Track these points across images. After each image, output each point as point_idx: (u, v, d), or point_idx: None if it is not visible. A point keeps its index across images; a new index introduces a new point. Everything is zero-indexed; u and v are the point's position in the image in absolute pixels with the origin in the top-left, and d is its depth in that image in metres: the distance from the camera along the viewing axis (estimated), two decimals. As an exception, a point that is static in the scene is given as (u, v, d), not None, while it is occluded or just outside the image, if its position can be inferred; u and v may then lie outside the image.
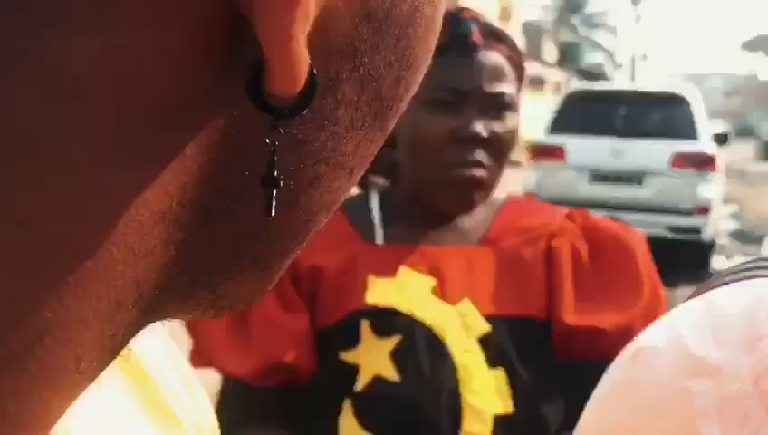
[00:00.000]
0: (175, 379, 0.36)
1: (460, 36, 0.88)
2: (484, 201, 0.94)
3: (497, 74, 0.89)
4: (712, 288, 0.38)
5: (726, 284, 0.37)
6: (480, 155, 0.89)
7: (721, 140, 8.07)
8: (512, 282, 0.92)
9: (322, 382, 0.89)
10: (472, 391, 0.86)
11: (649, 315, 0.90)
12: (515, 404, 0.86)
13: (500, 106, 0.90)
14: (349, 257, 0.91)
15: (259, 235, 0.24)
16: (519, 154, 14.16)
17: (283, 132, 0.22)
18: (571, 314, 0.88)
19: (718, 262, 8.06)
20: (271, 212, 0.22)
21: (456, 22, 0.89)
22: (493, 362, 0.87)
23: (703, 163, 7.02)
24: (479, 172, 0.89)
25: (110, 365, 0.23)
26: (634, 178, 7.27)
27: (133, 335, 0.23)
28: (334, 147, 0.24)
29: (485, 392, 0.86)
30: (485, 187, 0.91)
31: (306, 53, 0.20)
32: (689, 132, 7.21)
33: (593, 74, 32.45)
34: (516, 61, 0.92)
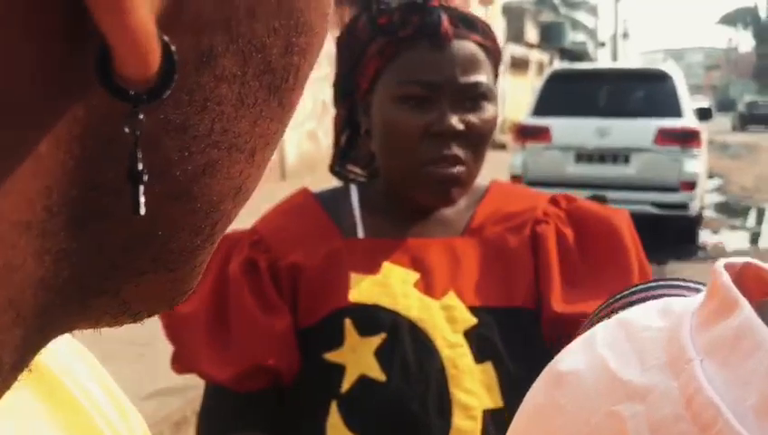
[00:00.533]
0: (101, 396, 0.34)
1: (429, 27, 0.84)
2: (464, 195, 0.91)
3: (471, 64, 0.85)
4: (620, 308, 0.38)
5: (633, 303, 0.37)
6: (456, 149, 0.85)
7: (705, 115, 8.14)
8: (497, 272, 0.89)
9: (308, 383, 0.87)
10: (460, 386, 0.83)
11: None
12: (505, 398, 0.84)
13: (475, 97, 0.86)
14: (329, 254, 0.89)
15: (150, 234, 0.22)
16: (504, 136, 14.19)
17: (143, 119, 0.19)
18: (560, 302, 0.86)
19: (704, 236, 8.16)
20: (139, 209, 0.20)
21: (423, 11, 0.84)
22: (480, 355, 0.85)
23: (687, 139, 7.09)
24: (457, 168, 0.86)
25: (30, 394, 0.23)
26: (619, 156, 7.32)
27: (31, 355, 0.21)
28: (224, 128, 0.22)
29: (474, 387, 0.83)
30: (464, 182, 0.88)
31: (153, 28, 0.18)
32: (673, 109, 7.27)
33: (576, 54, 32.44)
34: (491, 47, 0.88)
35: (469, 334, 0.85)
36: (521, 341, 0.86)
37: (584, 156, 7.47)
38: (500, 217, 0.93)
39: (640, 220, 6.63)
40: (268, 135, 0.25)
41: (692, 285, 0.39)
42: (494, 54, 0.89)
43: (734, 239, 8.20)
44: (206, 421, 0.91)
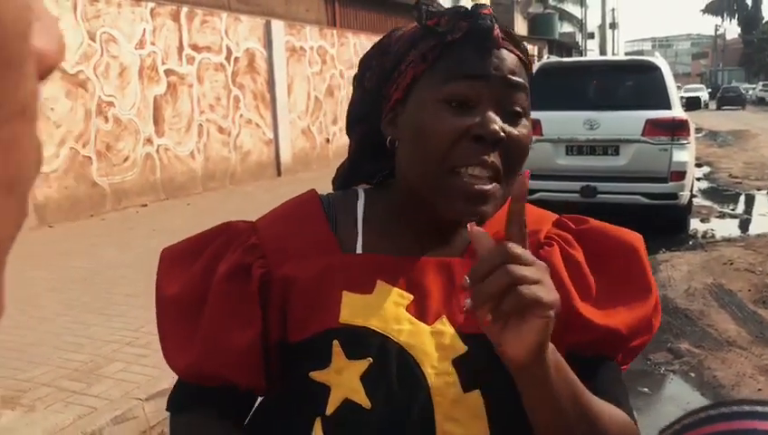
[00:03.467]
0: None
1: (480, 31, 0.81)
2: (491, 217, 0.84)
3: (518, 72, 0.83)
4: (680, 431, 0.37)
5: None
6: (495, 158, 0.80)
7: (699, 104, 8.18)
8: None
9: (292, 399, 0.85)
10: (446, 415, 0.81)
11: (652, 320, 0.89)
12: (492, 427, 0.82)
13: (515, 110, 0.82)
14: (324, 269, 0.86)
15: None
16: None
17: None
18: (588, 311, 0.84)
19: (694, 224, 8.24)
20: None
21: (476, 16, 0.82)
22: (469, 384, 0.82)
23: (675, 129, 7.15)
24: (492, 186, 0.80)
25: None
26: (609, 147, 7.38)
27: None
28: None
29: (461, 416, 0.81)
30: (497, 201, 0.82)
31: None
32: (661, 100, 7.32)
33: (565, 45, 32.40)
34: (529, 68, 0.86)
35: (458, 362, 0.82)
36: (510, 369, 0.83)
37: (574, 148, 7.53)
38: (500, 240, 0.86)
39: (632, 210, 6.66)
40: None
41: (759, 409, 0.38)
42: (530, 74, 0.87)
43: (724, 227, 8.28)
44: (172, 399, 0.92)
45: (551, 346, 0.74)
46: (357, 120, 0.94)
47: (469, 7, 0.84)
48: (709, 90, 50.68)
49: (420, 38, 0.85)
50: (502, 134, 0.80)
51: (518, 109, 0.83)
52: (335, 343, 0.82)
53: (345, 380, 0.81)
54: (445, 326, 0.84)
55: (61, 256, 6.08)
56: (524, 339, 0.70)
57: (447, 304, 0.85)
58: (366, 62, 0.92)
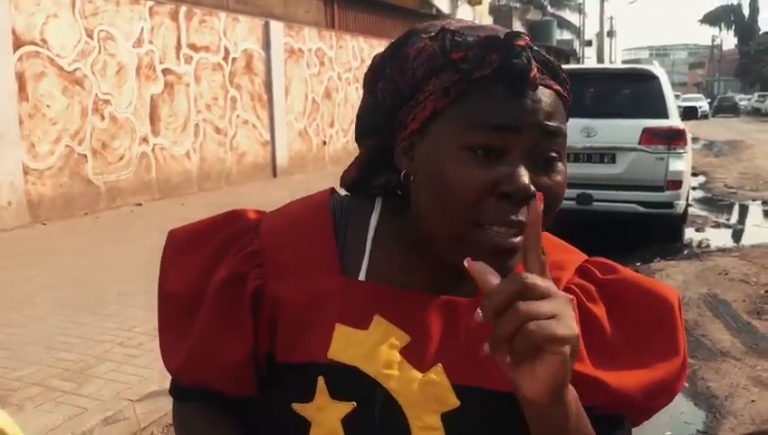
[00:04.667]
0: None
1: (513, 70, 0.70)
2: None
3: (555, 113, 0.73)
4: None
5: None
6: (524, 215, 0.70)
7: (696, 114, 8.20)
8: None
9: (274, 424, 0.81)
10: None
11: (677, 382, 0.82)
12: None
13: (550, 155, 0.73)
14: (320, 293, 0.79)
15: None
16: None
17: None
18: (598, 372, 0.78)
19: (689, 233, 8.25)
20: None
21: (507, 51, 0.71)
22: None
23: (672, 138, 7.17)
24: (518, 239, 0.71)
25: None
26: (606, 155, 7.39)
27: None
28: None
29: None
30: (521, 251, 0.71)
31: None
32: (659, 109, 7.34)
33: (563, 52, 32.52)
34: (567, 98, 0.77)
35: (447, 418, 0.76)
36: (506, 428, 0.77)
37: (571, 155, 7.52)
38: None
39: (627, 219, 6.65)
40: None
41: None
42: (569, 107, 0.77)
43: (719, 237, 8.29)
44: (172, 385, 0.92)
45: (572, 392, 0.68)
46: (368, 131, 0.85)
47: (502, 36, 0.72)
48: (708, 100, 50.37)
49: (442, 67, 0.73)
50: (532, 189, 0.70)
51: (553, 154, 0.73)
52: (320, 379, 0.77)
53: (326, 419, 0.77)
54: (438, 376, 0.77)
55: (54, 255, 6.05)
56: (538, 377, 0.63)
57: (446, 350, 0.78)
58: (379, 69, 0.81)
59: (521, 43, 0.72)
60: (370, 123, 0.84)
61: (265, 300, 0.81)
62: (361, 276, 0.81)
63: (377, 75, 0.81)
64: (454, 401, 0.77)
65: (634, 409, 0.82)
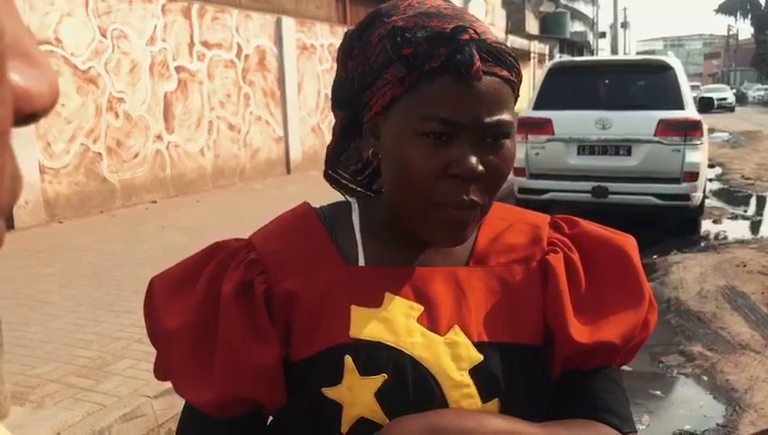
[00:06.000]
0: None
1: (458, 63, 0.76)
2: (473, 233, 0.86)
3: (497, 103, 0.79)
4: None
5: None
6: (474, 193, 0.79)
7: (709, 105, 8.14)
8: (504, 306, 0.85)
9: (306, 419, 0.83)
10: None
11: (648, 319, 0.89)
12: None
13: (497, 135, 0.80)
14: (329, 283, 0.83)
15: None
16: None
17: None
18: (580, 332, 0.84)
19: (706, 226, 8.18)
20: None
21: (455, 46, 0.77)
22: (487, 393, 0.81)
23: (688, 130, 7.10)
24: (471, 213, 0.80)
25: None
26: (621, 147, 7.34)
27: None
28: None
29: None
30: (476, 223, 0.83)
31: None
32: (674, 100, 7.27)
33: (576, 44, 32.31)
34: (515, 79, 0.82)
35: (475, 372, 0.81)
36: (526, 378, 0.83)
37: (586, 148, 7.49)
38: (504, 246, 0.89)
39: (643, 211, 6.63)
40: None
41: None
42: (517, 86, 0.83)
43: (736, 228, 8.21)
44: None
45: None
46: (340, 103, 0.91)
47: (448, 30, 0.78)
48: (733, 90, 47.43)
49: (397, 58, 0.80)
50: (480, 169, 0.79)
51: (500, 133, 0.80)
52: (347, 358, 0.80)
53: (358, 397, 0.79)
54: (458, 336, 0.82)
55: (70, 252, 6.09)
56: None
57: (458, 313, 0.83)
58: (348, 48, 0.87)
59: (465, 37, 0.77)
60: (342, 96, 0.90)
61: (276, 302, 0.83)
62: (361, 263, 0.86)
63: (347, 54, 0.87)
64: (477, 356, 0.82)
65: (615, 356, 0.88)
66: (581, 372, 0.86)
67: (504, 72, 0.80)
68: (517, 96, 0.84)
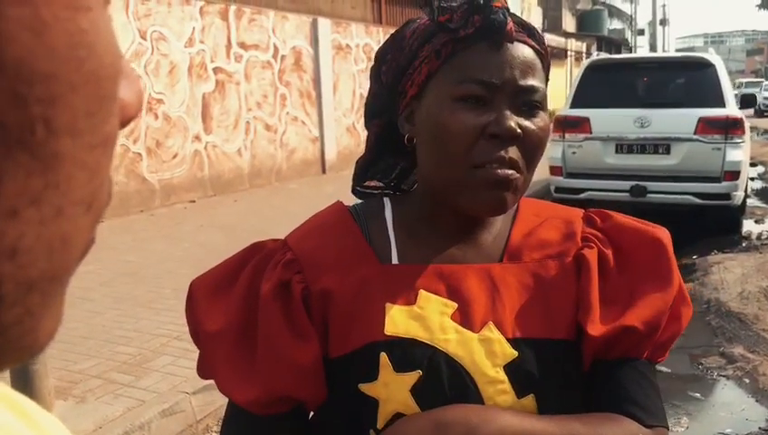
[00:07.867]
0: None
1: (493, 26, 0.81)
2: (514, 206, 0.87)
3: (529, 68, 0.82)
4: None
5: None
6: (513, 153, 0.81)
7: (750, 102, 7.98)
8: (538, 302, 0.86)
9: (339, 414, 0.84)
10: None
11: (680, 311, 0.89)
12: None
13: (531, 103, 0.83)
14: (364, 281, 0.85)
15: None
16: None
17: None
18: (597, 325, 0.85)
19: (748, 225, 8.00)
20: None
21: (487, 10, 0.81)
22: (521, 390, 0.82)
23: (729, 128, 6.96)
24: (512, 172, 0.81)
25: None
26: (660, 146, 7.22)
27: None
28: None
29: None
30: (517, 189, 0.83)
31: None
32: (715, 97, 7.13)
33: (614, 42, 31.86)
34: (545, 54, 0.86)
35: (510, 368, 0.82)
36: (561, 373, 0.84)
37: (624, 146, 7.39)
38: (538, 242, 0.90)
39: (682, 211, 6.50)
40: (30, 191, 0.23)
41: None
42: (547, 63, 0.87)
43: (779, 229, 8.02)
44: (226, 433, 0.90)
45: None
46: (374, 114, 0.94)
47: (482, 0, 0.82)
48: None
49: (433, 33, 0.84)
50: (518, 131, 0.81)
51: (534, 99, 0.83)
52: (382, 355, 0.81)
53: (394, 393, 0.80)
54: (492, 333, 0.83)
55: (111, 251, 6.21)
56: None
57: (492, 310, 0.84)
58: (382, 56, 0.92)
59: (497, 4, 0.82)
60: (376, 107, 0.94)
61: (313, 300, 0.84)
62: (394, 261, 0.87)
63: (380, 63, 0.92)
64: (512, 352, 0.82)
65: (641, 345, 0.86)
66: (607, 363, 0.86)
67: (534, 43, 0.84)
68: (547, 78, 0.87)
